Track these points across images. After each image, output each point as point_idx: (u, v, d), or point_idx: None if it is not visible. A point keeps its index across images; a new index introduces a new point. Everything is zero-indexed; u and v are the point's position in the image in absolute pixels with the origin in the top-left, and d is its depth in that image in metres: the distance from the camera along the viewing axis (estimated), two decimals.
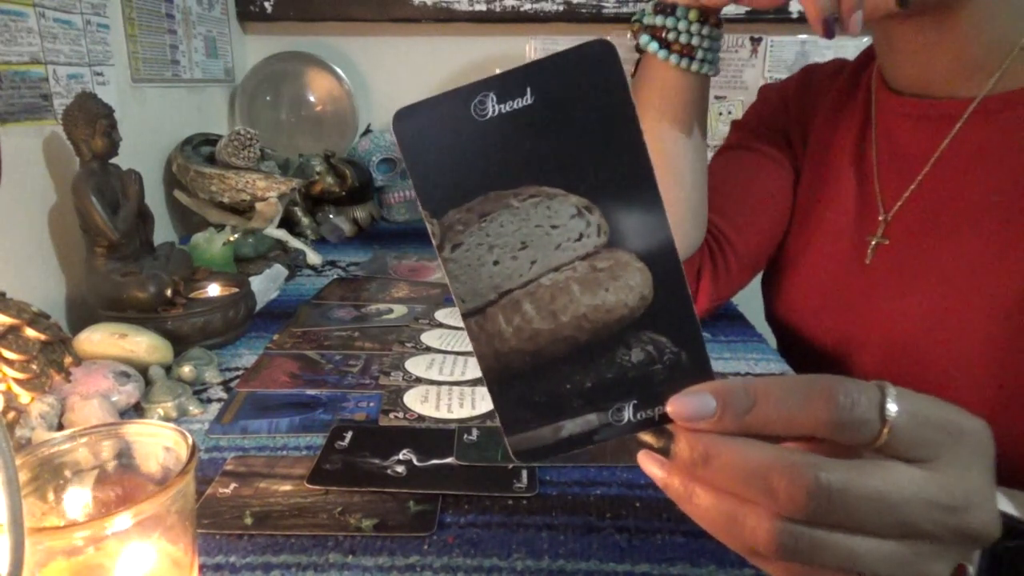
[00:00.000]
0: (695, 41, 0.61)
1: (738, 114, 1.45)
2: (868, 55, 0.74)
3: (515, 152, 0.28)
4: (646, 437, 0.31)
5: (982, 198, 0.59)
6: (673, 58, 0.62)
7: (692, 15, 0.61)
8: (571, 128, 0.28)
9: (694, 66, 0.62)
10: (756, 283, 0.83)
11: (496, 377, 0.31)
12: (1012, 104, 0.58)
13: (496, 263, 0.30)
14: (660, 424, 0.31)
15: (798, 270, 0.75)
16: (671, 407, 0.29)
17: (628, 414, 0.31)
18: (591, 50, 0.27)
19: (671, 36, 0.62)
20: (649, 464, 0.30)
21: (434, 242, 0.29)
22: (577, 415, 0.31)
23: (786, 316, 0.76)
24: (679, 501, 0.30)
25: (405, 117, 0.28)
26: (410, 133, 0.28)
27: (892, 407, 0.26)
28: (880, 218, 0.66)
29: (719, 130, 1.46)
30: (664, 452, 0.30)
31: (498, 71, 0.27)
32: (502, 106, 0.27)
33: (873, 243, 0.66)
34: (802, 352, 0.74)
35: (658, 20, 0.62)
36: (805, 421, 0.27)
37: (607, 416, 0.31)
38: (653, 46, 0.62)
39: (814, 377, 0.27)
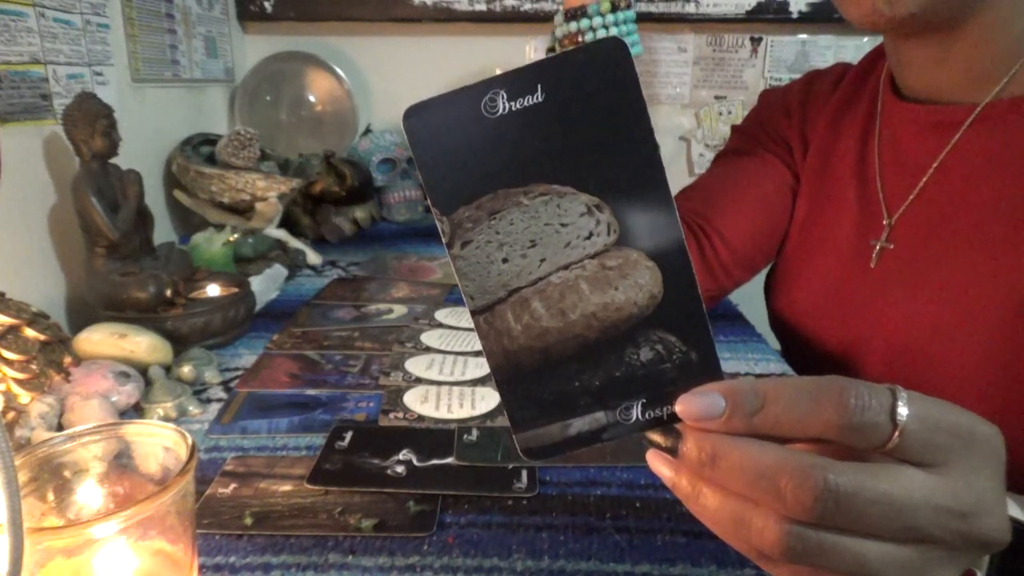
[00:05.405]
0: (612, 32, 0.62)
1: (738, 114, 1.45)
2: (873, 59, 0.73)
3: (525, 150, 0.28)
4: (654, 436, 0.31)
5: (986, 204, 0.58)
6: None
7: (604, 7, 0.61)
8: (581, 126, 0.28)
9: None
10: (756, 284, 0.83)
11: (505, 375, 0.31)
12: (1017, 109, 0.57)
13: (505, 261, 0.30)
14: (668, 423, 0.31)
15: (802, 273, 0.75)
16: (680, 406, 0.29)
17: (636, 413, 0.31)
18: (602, 48, 0.27)
19: (588, 37, 0.62)
20: (657, 463, 0.30)
21: (443, 239, 0.29)
22: (585, 413, 0.31)
23: (790, 320, 0.76)
24: (686, 501, 0.30)
25: (415, 114, 0.28)
26: (420, 130, 0.28)
27: (903, 411, 0.26)
28: (884, 222, 0.66)
29: (719, 130, 1.46)
30: (672, 451, 0.30)
31: (498, 71, 0.27)
32: (513, 104, 0.27)
33: (878, 247, 0.66)
34: (805, 357, 0.74)
35: (572, 27, 0.62)
36: (815, 423, 0.27)
37: (615, 415, 0.31)
38: None
39: (825, 379, 0.27)
